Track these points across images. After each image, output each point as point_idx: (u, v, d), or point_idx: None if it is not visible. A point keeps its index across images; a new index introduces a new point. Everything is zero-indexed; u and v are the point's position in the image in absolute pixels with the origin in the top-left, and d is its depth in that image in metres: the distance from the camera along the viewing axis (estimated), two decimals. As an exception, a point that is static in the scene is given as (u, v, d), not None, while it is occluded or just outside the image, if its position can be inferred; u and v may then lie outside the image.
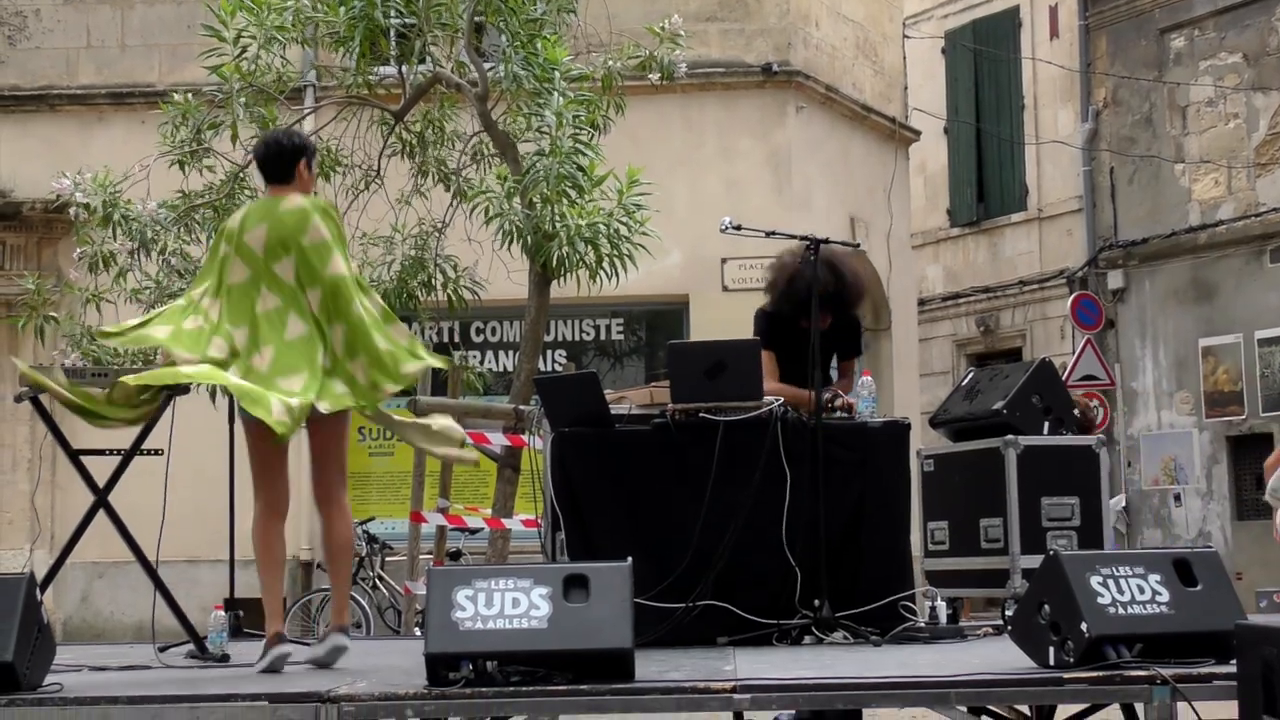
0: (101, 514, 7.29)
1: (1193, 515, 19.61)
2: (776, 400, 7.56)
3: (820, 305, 7.76)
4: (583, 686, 5.22)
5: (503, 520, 10.60)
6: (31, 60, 17.11)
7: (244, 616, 8.37)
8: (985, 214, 23.19)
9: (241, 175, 10.88)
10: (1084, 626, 5.29)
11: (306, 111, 12.47)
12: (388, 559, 14.11)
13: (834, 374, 8.39)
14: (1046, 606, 5.49)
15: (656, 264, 11.66)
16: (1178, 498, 19.82)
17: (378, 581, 13.38)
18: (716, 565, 7.33)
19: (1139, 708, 5.42)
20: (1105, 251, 20.83)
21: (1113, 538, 8.20)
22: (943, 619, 7.82)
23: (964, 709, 5.42)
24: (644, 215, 10.10)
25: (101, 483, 7.33)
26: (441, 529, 11.26)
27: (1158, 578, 5.53)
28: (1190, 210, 19.89)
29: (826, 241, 7.91)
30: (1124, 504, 19.71)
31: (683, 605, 7.26)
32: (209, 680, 6.11)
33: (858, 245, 11.39)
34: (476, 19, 10.56)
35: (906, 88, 20.55)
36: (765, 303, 8.32)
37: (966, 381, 8.89)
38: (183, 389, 7.42)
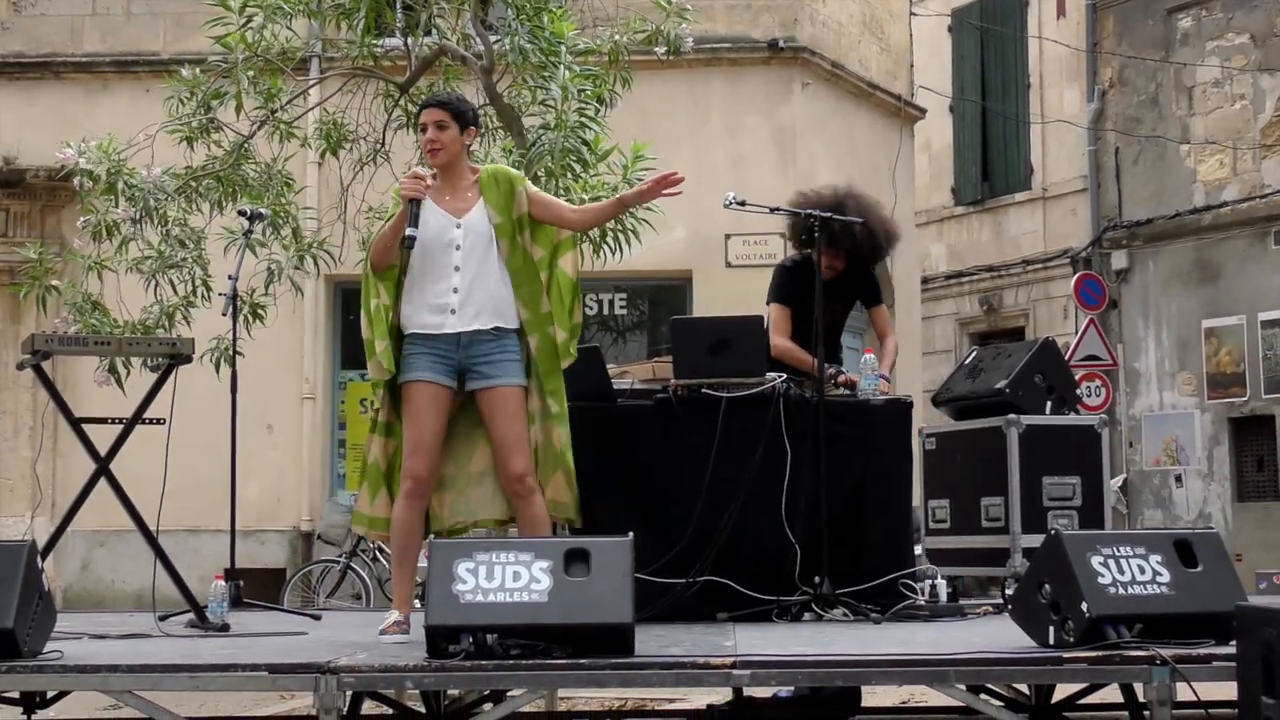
0: (103, 482, 7.30)
1: (1193, 496, 19.61)
2: (779, 377, 7.56)
3: (848, 249, 7.86)
4: (582, 660, 5.23)
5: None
6: (37, 27, 17.06)
7: (244, 586, 8.37)
8: (990, 193, 23.15)
9: (246, 146, 10.87)
10: (1084, 606, 5.29)
11: (311, 83, 12.43)
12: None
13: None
14: (1047, 586, 5.50)
15: (660, 239, 11.65)
16: (1179, 478, 19.82)
17: (378, 554, 13.37)
18: (717, 541, 7.34)
19: (1138, 688, 5.42)
20: (1109, 232, 20.80)
21: (1111, 518, 8.19)
22: (943, 597, 7.83)
23: (963, 687, 5.42)
24: (649, 190, 10.07)
25: (103, 451, 7.33)
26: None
27: (1159, 558, 5.53)
28: (1195, 191, 19.85)
29: (830, 217, 7.91)
30: (1121, 484, 19.70)
31: (683, 581, 7.27)
32: (209, 650, 6.11)
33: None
34: (483, -9, 10.55)
35: (912, 65, 20.48)
36: (787, 257, 8.39)
37: (969, 360, 8.88)
38: (185, 358, 7.44)
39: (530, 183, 6.78)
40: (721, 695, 7.40)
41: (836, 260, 8.16)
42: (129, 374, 10.29)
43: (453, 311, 6.47)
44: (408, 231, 6.36)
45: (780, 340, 7.98)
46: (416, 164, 11.25)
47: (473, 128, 6.72)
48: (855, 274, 8.31)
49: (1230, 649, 5.11)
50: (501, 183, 6.62)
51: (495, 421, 6.48)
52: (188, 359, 7.47)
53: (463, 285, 6.48)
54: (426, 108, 6.71)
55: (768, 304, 8.35)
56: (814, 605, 7.30)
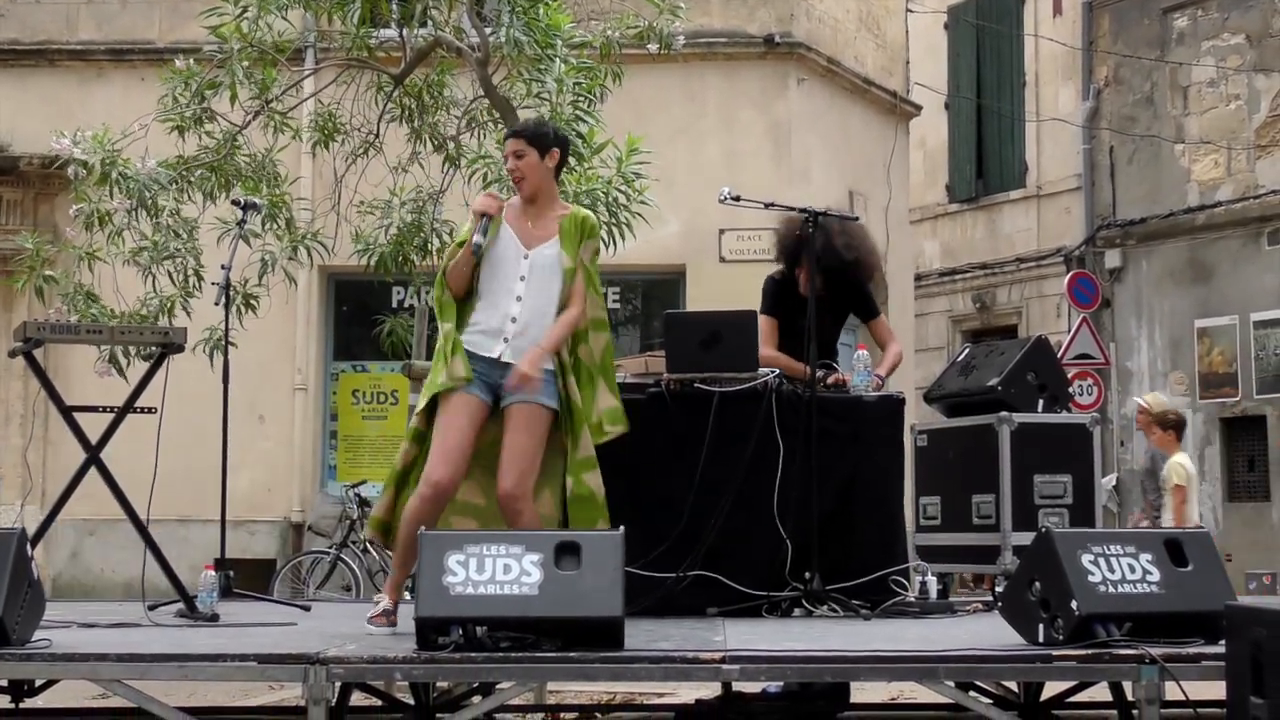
0: (93, 471, 7.29)
1: (1184, 496, 19.61)
2: (772, 372, 7.56)
3: (828, 273, 7.82)
4: (572, 654, 5.23)
5: (495, 486, 10.59)
6: (31, 15, 17.03)
7: (234, 577, 8.36)
8: (984, 190, 23.17)
9: (239, 137, 10.86)
10: (1074, 604, 5.30)
11: (306, 74, 12.42)
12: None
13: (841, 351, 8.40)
14: (1037, 583, 5.50)
15: (654, 233, 11.64)
16: (1170, 478, 19.82)
17: (369, 545, 13.36)
18: (708, 536, 7.34)
19: (1127, 686, 5.44)
20: (1103, 230, 20.82)
21: (1102, 516, 8.20)
22: (933, 594, 7.83)
23: (952, 684, 5.42)
24: (643, 184, 10.09)
25: (94, 440, 7.32)
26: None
27: (1149, 557, 5.54)
28: (1189, 191, 19.87)
29: (825, 214, 7.90)
30: (1115, 483, 19.72)
31: (673, 575, 7.27)
32: (198, 639, 6.11)
33: (856, 218, 11.34)
34: (479, -18, 10.54)
35: (908, 62, 20.49)
36: (776, 270, 8.36)
37: (962, 357, 8.88)
38: (177, 347, 7.43)
39: (593, 246, 6.86)
40: (711, 690, 7.40)
41: (817, 278, 8.12)
42: (130, 364, 10.29)
43: (507, 340, 6.53)
44: (475, 238, 6.42)
45: (767, 351, 7.95)
46: (407, 157, 11.30)
47: (555, 150, 6.70)
48: (844, 290, 8.25)
49: (1219, 648, 5.11)
50: (583, 229, 6.72)
51: (511, 432, 6.49)
52: (180, 348, 7.46)
53: (521, 316, 6.54)
54: (506, 139, 6.78)
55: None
56: (804, 601, 7.30)
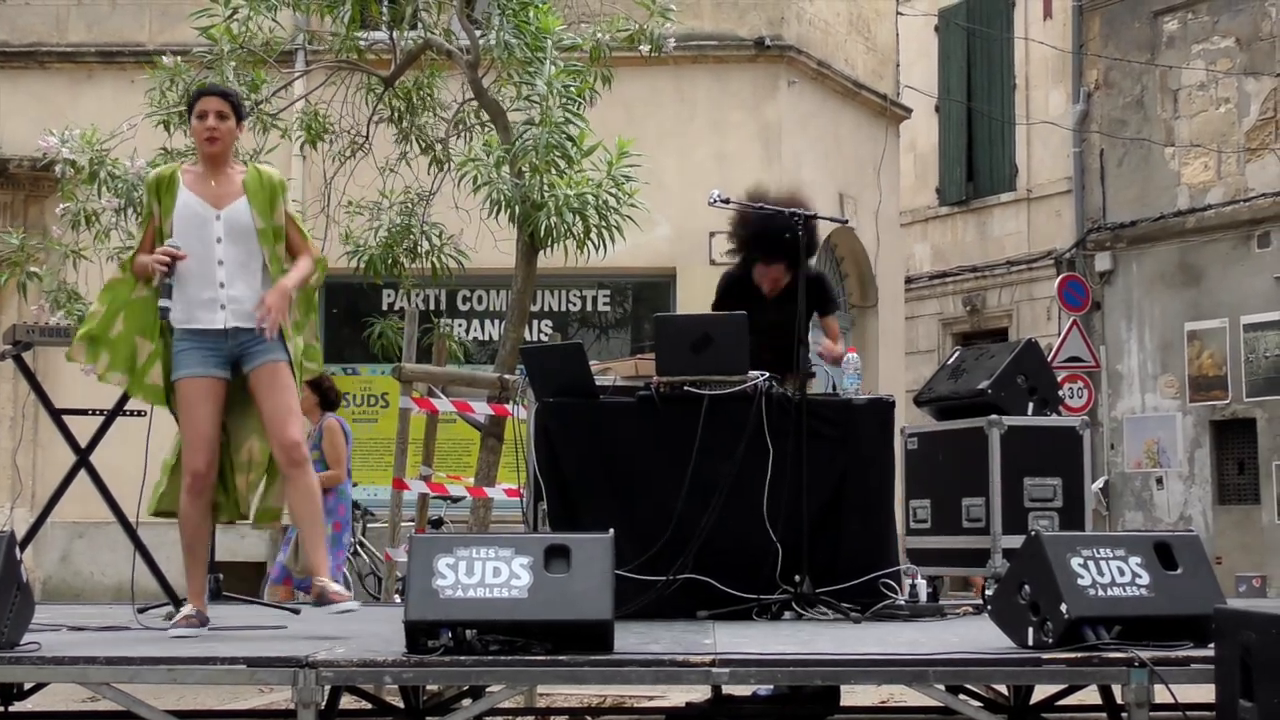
0: (83, 474, 7.28)
1: (1174, 499, 19.66)
2: (762, 375, 7.56)
3: (781, 253, 7.84)
4: (561, 657, 5.23)
5: (485, 489, 10.59)
6: (21, 16, 17.02)
7: (223, 580, 8.34)
8: (974, 193, 23.19)
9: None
10: (1063, 607, 5.30)
11: (296, 75, 12.41)
12: (369, 525, 14.09)
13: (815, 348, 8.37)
14: (1027, 587, 5.50)
15: (644, 236, 11.63)
16: (1159, 481, 19.87)
17: (358, 548, 13.34)
18: (698, 539, 7.33)
19: (1116, 689, 5.44)
20: (1093, 233, 20.84)
21: (1091, 519, 8.21)
22: (923, 597, 7.84)
23: (941, 687, 5.43)
24: (633, 187, 10.08)
25: (83, 442, 7.31)
26: (424, 496, 11.24)
27: (1138, 560, 5.54)
28: (1179, 194, 19.89)
29: (814, 216, 7.92)
30: (1102, 486, 19.74)
31: (663, 578, 7.26)
32: (188, 643, 6.10)
33: (845, 221, 11.38)
34: (469, -15, 10.53)
35: (899, 65, 20.50)
36: (733, 266, 8.40)
37: (952, 360, 8.89)
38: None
39: (286, 199, 6.90)
40: (701, 693, 7.41)
41: (776, 273, 8.13)
42: (113, 363, 10.26)
43: (224, 306, 6.59)
44: (162, 303, 6.50)
45: None
46: (396, 159, 11.30)
47: (244, 123, 6.96)
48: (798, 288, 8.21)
49: (1208, 651, 5.12)
50: (272, 187, 6.76)
51: (270, 395, 6.59)
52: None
53: (229, 278, 6.61)
54: (206, 96, 6.84)
55: None
56: (794, 604, 7.30)
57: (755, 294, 8.14)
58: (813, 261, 8.36)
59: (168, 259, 6.45)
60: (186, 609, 6.60)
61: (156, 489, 6.82)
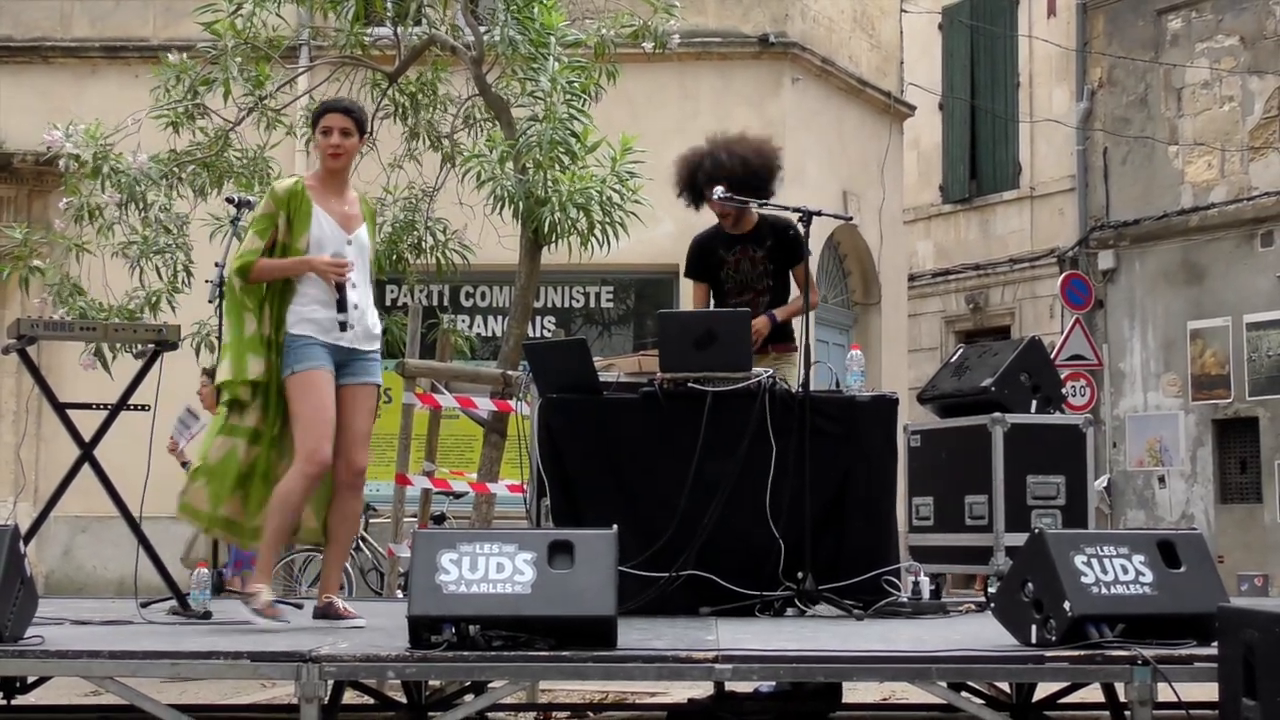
0: (86, 468, 7.28)
1: (1176, 497, 19.65)
2: (765, 372, 7.56)
3: (734, 189, 8.05)
4: (564, 653, 5.23)
5: (488, 485, 10.60)
6: (25, 11, 17.03)
7: (226, 574, 8.36)
8: (978, 191, 23.17)
9: (232, 134, 10.85)
10: (1066, 605, 5.30)
11: (300, 71, 12.41)
12: (372, 521, 14.09)
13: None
14: (1030, 584, 5.50)
15: (648, 233, 11.63)
16: (1162, 479, 19.86)
17: (361, 543, 13.34)
18: (701, 535, 7.33)
19: (1119, 687, 5.43)
20: (1096, 231, 20.82)
21: (1094, 517, 8.21)
22: (925, 594, 7.84)
23: (944, 684, 5.43)
24: (637, 183, 10.08)
25: (87, 437, 7.31)
26: (426, 492, 11.25)
27: (1142, 558, 5.54)
28: (1183, 192, 19.88)
29: (818, 213, 7.91)
30: (1106, 484, 19.73)
31: (666, 575, 7.26)
32: (191, 636, 6.10)
33: (849, 218, 11.38)
34: (474, -19, 10.54)
35: (903, 62, 20.48)
36: (701, 233, 8.59)
37: (955, 358, 8.89)
38: (171, 345, 7.43)
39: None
40: (703, 689, 7.40)
41: (720, 206, 8.24)
42: (115, 358, 10.27)
43: (351, 327, 6.81)
44: (339, 317, 6.73)
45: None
46: (401, 154, 11.30)
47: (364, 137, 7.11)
48: (768, 241, 8.33)
49: (1212, 650, 5.12)
50: (372, 212, 7.17)
51: (358, 415, 6.81)
52: (174, 346, 7.47)
53: (362, 300, 6.88)
54: (332, 113, 6.98)
55: None
56: (797, 601, 7.30)
57: (721, 258, 8.34)
58: (782, 214, 8.38)
59: (346, 269, 6.69)
60: (267, 594, 6.70)
61: (192, 492, 6.87)
